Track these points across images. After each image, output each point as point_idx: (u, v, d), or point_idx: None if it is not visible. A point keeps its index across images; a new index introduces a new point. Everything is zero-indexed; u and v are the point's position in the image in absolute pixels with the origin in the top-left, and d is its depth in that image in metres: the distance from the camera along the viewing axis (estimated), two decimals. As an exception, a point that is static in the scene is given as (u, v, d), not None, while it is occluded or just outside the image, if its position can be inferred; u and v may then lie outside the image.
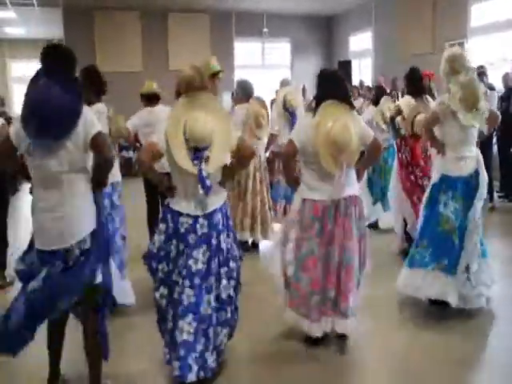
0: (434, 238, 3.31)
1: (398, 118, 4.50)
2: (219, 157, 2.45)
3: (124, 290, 3.36)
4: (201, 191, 2.40)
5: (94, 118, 2.29)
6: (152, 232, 4.21)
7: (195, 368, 2.42)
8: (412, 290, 3.37)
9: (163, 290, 2.53)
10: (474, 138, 3.39)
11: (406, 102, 4.47)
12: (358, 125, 2.87)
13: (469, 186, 3.30)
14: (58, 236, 2.21)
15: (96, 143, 2.24)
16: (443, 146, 3.36)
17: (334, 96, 2.85)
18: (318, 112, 2.83)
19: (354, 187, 2.91)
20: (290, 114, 5.05)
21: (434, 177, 3.40)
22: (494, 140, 6.70)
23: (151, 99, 4.46)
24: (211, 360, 2.50)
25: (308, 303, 2.85)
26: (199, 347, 2.44)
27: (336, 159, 2.76)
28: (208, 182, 2.40)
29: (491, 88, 6.16)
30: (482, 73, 6.49)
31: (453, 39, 9.46)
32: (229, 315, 2.60)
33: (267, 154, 5.31)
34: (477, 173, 3.33)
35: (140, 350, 2.98)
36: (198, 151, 2.39)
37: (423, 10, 10.04)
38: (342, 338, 3.01)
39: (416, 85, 4.42)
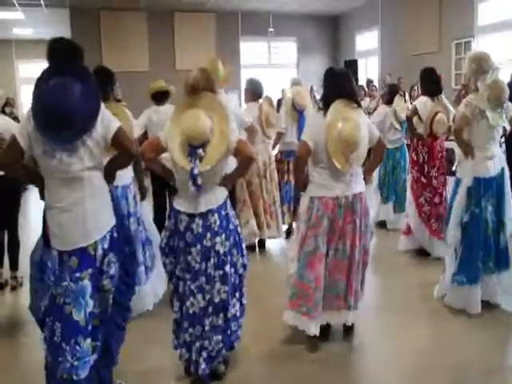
0: (487, 244, 3.38)
1: (415, 118, 4.48)
2: (213, 156, 2.43)
3: (142, 295, 3.35)
4: (191, 189, 2.41)
5: (110, 114, 2.27)
6: (159, 229, 4.23)
7: (185, 356, 2.57)
8: (489, 296, 3.42)
9: (172, 283, 2.64)
10: (499, 136, 3.48)
11: (422, 102, 4.45)
12: (366, 124, 2.93)
13: (498, 185, 3.41)
14: (80, 234, 2.17)
15: (118, 139, 2.21)
16: (472, 149, 3.38)
17: (343, 95, 2.87)
18: (329, 111, 2.84)
19: (361, 184, 2.96)
20: (298, 113, 5.06)
21: (466, 180, 3.40)
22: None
23: (160, 98, 4.48)
24: (201, 360, 2.51)
25: (312, 300, 2.85)
26: (187, 338, 2.55)
27: (347, 158, 2.80)
28: (199, 180, 2.40)
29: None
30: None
31: (460, 38, 9.42)
32: (221, 322, 2.54)
33: (275, 152, 5.33)
34: (502, 170, 3.44)
35: (149, 349, 2.99)
36: (193, 148, 2.40)
37: (430, 8, 10.00)
38: (349, 332, 3.05)
39: (433, 85, 4.42)
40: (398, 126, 5.45)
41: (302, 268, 2.88)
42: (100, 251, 2.21)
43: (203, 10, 12.07)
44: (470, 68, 3.38)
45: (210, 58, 4.26)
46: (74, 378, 2.13)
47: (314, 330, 2.88)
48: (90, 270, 2.18)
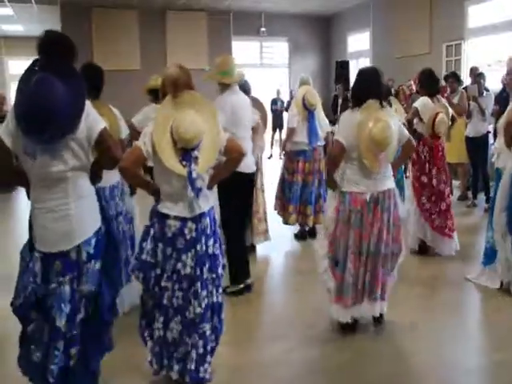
0: None
1: (415, 119, 4.52)
2: (209, 157, 2.36)
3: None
4: (191, 194, 2.30)
5: (96, 114, 2.16)
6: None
7: (176, 368, 2.41)
8: None
9: (152, 298, 2.44)
10: None
11: (422, 103, 4.49)
12: (397, 125, 3.00)
13: None
14: (63, 236, 2.10)
15: (102, 141, 2.11)
16: None
17: (374, 95, 2.94)
18: (361, 111, 2.92)
19: (390, 181, 3.06)
20: (308, 112, 5.05)
21: (509, 168, 3.59)
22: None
23: (157, 95, 4.45)
24: (202, 368, 2.43)
25: (354, 290, 2.98)
26: (185, 349, 2.41)
27: (376, 157, 2.89)
28: (198, 184, 2.32)
29: (486, 90, 6.23)
30: (480, 74, 6.54)
31: (450, 40, 9.50)
32: (216, 323, 2.52)
33: (284, 152, 5.31)
34: None
35: (126, 353, 2.82)
36: (186, 152, 2.30)
37: (421, 10, 10.07)
38: (379, 321, 3.14)
39: (433, 85, 4.53)
40: None
41: (344, 261, 2.97)
42: (84, 256, 2.13)
43: (195, 8, 12.04)
44: None
45: (225, 55, 4.03)
46: (51, 380, 2.10)
47: (349, 317, 3.01)
48: (70, 275, 2.12)
